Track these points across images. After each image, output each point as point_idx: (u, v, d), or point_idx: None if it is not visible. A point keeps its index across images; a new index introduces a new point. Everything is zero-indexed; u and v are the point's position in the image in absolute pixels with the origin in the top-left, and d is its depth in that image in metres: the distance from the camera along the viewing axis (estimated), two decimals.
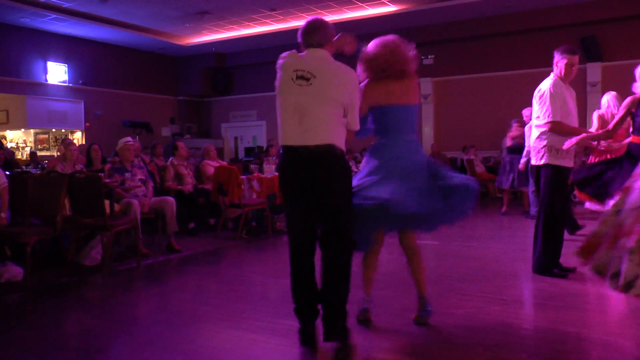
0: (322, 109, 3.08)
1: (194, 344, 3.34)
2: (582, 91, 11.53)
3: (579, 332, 3.39)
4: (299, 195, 3.15)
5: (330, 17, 13.25)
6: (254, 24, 13.85)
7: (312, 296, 3.18)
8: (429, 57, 14.40)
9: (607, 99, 6.56)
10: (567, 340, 3.23)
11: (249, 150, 16.12)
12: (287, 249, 3.24)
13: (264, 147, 12.53)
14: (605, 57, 12.22)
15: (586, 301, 4.16)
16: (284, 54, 3.21)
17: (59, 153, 9.12)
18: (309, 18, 3.32)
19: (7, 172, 5.97)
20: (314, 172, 3.08)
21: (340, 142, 3.16)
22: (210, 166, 8.19)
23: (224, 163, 9.04)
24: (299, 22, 13.51)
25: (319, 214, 3.15)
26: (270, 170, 8.08)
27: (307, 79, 3.08)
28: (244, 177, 7.81)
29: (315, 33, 3.21)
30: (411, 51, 3.61)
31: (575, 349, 3.09)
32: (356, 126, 3.27)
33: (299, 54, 3.22)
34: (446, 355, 3.01)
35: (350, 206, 3.20)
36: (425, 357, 3.00)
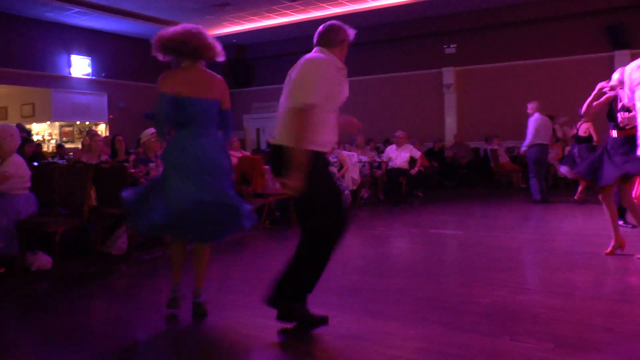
0: None
1: (220, 331, 3.37)
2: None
3: (607, 322, 3.34)
4: None
5: (352, 7, 13.20)
6: (274, 15, 13.84)
7: None
8: (451, 46, 14.28)
9: None
10: (596, 330, 3.19)
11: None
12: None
13: None
14: (633, 45, 11.97)
15: (613, 291, 4.10)
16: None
17: (82, 145, 9.25)
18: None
19: (35, 164, 6.06)
20: (276, 168, 3.26)
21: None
22: (234, 156, 8.21)
23: (247, 153, 9.06)
24: (319, 13, 13.49)
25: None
26: None
27: (287, 77, 3.26)
28: (267, 167, 7.83)
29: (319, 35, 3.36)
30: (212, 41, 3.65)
31: (604, 339, 3.04)
32: None
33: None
34: (471, 345, 2.99)
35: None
36: (450, 347, 2.98)
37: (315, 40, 3.33)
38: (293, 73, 3.19)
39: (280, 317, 3.27)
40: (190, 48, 3.53)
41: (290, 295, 3.25)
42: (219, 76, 3.66)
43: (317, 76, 3.09)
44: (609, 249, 4.98)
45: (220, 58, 3.72)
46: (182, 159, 3.44)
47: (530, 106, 9.47)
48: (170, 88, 3.45)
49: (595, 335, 3.10)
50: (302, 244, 3.24)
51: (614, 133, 4.88)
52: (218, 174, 3.48)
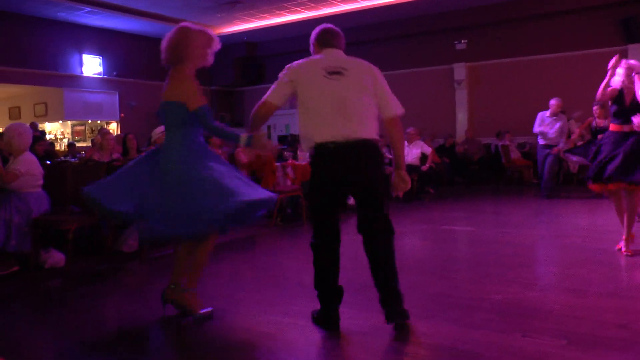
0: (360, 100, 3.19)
1: (232, 329, 3.38)
2: None
3: (621, 319, 3.31)
4: (340, 187, 3.21)
5: (362, 4, 13.16)
6: (285, 12, 13.83)
7: (337, 281, 3.28)
8: (462, 42, 14.20)
9: None
10: (609, 327, 3.16)
11: (282, 139, 16.17)
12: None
13: (297, 135, 12.55)
14: None
15: (627, 287, 4.06)
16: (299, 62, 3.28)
17: (92, 143, 9.30)
18: (324, 25, 3.42)
19: (48, 162, 6.11)
20: (359, 163, 3.13)
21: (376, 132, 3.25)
22: (245, 154, 8.24)
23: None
24: (329, 10, 13.47)
25: (362, 203, 3.23)
26: (304, 157, 8.09)
27: (340, 72, 3.17)
28: (278, 164, 7.85)
29: (337, 36, 3.38)
30: (195, 41, 3.51)
31: (617, 336, 3.01)
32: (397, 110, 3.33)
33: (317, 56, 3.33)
34: (484, 341, 2.98)
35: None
36: (462, 343, 2.97)
37: (342, 42, 3.38)
38: (380, 78, 3.25)
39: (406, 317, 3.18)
40: (164, 57, 3.57)
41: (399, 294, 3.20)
42: (189, 77, 3.53)
43: None
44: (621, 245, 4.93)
45: (205, 60, 3.62)
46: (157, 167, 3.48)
47: (553, 103, 9.28)
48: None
49: (608, 332, 3.08)
50: (387, 239, 3.22)
51: (625, 127, 4.79)
52: (182, 189, 3.36)
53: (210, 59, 3.65)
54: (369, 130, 3.17)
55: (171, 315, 3.58)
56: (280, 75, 3.26)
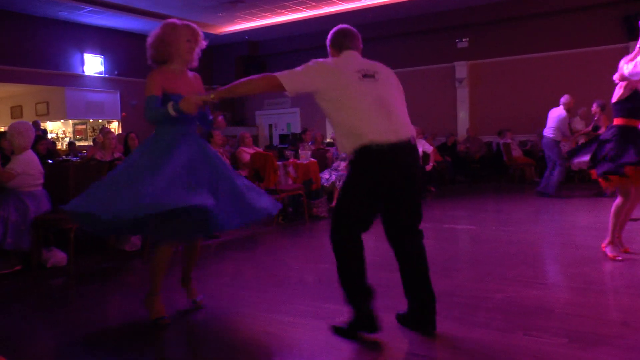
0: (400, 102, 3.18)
1: (234, 328, 3.39)
2: None
3: (623, 317, 3.31)
4: (387, 193, 3.09)
5: (364, 3, 13.16)
6: (286, 11, 13.83)
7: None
8: (464, 40, 14.19)
9: None
10: (611, 325, 3.16)
11: (283, 137, 16.18)
12: (327, 237, 3.19)
13: (299, 134, 12.56)
14: None
15: (629, 285, 4.05)
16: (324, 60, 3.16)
17: (93, 142, 9.30)
18: (342, 26, 3.32)
19: (50, 161, 6.12)
20: (412, 164, 3.09)
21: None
22: (246, 153, 8.25)
23: (260, 150, 9.09)
24: (331, 9, 13.45)
25: (402, 210, 3.12)
26: (306, 156, 8.09)
27: (372, 76, 3.10)
28: (279, 163, 7.85)
29: (356, 38, 3.28)
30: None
31: (619, 334, 3.01)
32: None
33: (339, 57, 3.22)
34: (486, 340, 2.98)
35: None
36: (464, 342, 2.97)
37: (360, 43, 3.31)
38: (396, 81, 3.25)
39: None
40: (150, 54, 3.72)
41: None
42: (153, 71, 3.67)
43: None
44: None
45: (192, 56, 3.68)
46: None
47: (564, 101, 9.22)
48: None
49: (610, 330, 3.08)
50: (420, 243, 3.20)
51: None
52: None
53: (196, 58, 3.64)
54: (410, 129, 3.13)
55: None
56: (310, 66, 3.07)
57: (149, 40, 3.58)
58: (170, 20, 3.64)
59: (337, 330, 3.14)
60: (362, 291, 3.08)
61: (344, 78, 3.04)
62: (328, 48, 3.32)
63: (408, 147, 3.05)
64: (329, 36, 3.30)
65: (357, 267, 3.08)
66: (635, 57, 4.49)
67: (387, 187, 3.04)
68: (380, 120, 3.00)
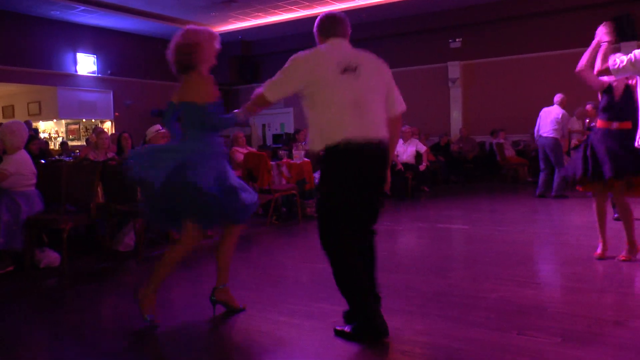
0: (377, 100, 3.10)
1: (229, 327, 3.38)
2: None
3: (616, 315, 3.34)
4: (364, 190, 3.07)
5: (357, 2, 13.16)
6: (280, 11, 13.82)
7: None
8: (457, 40, 14.23)
9: None
10: (604, 324, 3.18)
11: (276, 137, 16.16)
12: (317, 239, 3.13)
13: (292, 134, 12.57)
14: None
15: (622, 285, 4.08)
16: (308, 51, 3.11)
17: (86, 142, 9.26)
18: (329, 11, 3.27)
19: (42, 161, 6.09)
20: (379, 166, 3.07)
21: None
22: (240, 153, 8.24)
23: (253, 150, 9.08)
24: (324, 9, 13.42)
25: (361, 208, 3.09)
26: (299, 156, 8.09)
27: (354, 69, 3.03)
28: (273, 163, 7.84)
29: (344, 24, 3.21)
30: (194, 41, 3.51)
31: (613, 333, 3.03)
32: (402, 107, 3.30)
33: (322, 46, 3.16)
34: (481, 339, 2.99)
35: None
36: (459, 341, 2.98)
37: (348, 29, 3.22)
38: (388, 76, 3.21)
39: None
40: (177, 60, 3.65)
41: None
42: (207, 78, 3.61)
43: None
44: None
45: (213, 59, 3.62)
46: None
47: (556, 100, 9.23)
48: None
49: (604, 329, 3.10)
50: (372, 244, 3.21)
51: (613, 124, 4.61)
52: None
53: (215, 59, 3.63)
54: (384, 130, 3.08)
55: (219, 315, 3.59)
56: (286, 68, 3.06)
57: (178, 45, 3.52)
58: (193, 26, 3.62)
59: (341, 334, 3.09)
60: (364, 292, 2.99)
61: (320, 72, 3.00)
62: (315, 35, 3.25)
63: (377, 148, 3.02)
64: (316, 23, 3.22)
65: (355, 269, 3.00)
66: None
67: (355, 184, 3.02)
68: (353, 119, 2.97)
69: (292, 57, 3.06)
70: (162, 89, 15.93)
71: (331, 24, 3.18)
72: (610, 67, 4.17)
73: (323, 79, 2.99)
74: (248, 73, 16.95)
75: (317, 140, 3.05)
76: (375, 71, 3.13)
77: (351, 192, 3.01)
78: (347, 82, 2.99)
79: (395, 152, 10.22)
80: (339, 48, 3.12)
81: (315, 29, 3.24)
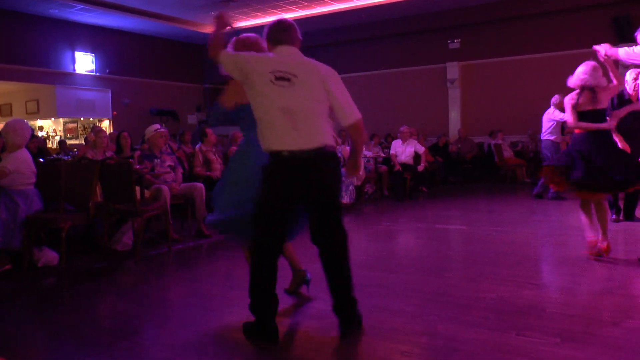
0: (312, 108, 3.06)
1: (225, 326, 3.38)
2: None
3: (613, 316, 3.34)
4: (294, 199, 3.11)
5: (356, 3, 13.17)
6: (278, 11, 13.81)
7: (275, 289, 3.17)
8: (455, 41, 14.24)
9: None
10: (602, 325, 3.19)
11: None
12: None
13: None
14: None
15: (620, 286, 4.09)
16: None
17: (85, 141, 9.24)
18: (278, 19, 3.26)
19: (41, 160, 6.08)
20: (314, 175, 3.04)
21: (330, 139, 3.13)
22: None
23: None
24: (323, 8, 13.46)
25: (317, 212, 3.15)
26: None
27: (288, 79, 3.00)
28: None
29: (290, 31, 3.17)
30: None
31: (611, 334, 3.04)
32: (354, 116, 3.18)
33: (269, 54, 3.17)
34: (479, 339, 2.99)
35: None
36: (457, 342, 2.98)
37: (294, 36, 3.18)
38: (333, 84, 3.08)
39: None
40: None
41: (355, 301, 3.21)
42: None
43: None
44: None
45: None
46: None
47: (555, 101, 9.15)
48: None
49: (601, 330, 3.10)
50: (346, 247, 3.19)
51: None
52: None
53: None
54: (322, 137, 3.04)
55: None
56: (235, 55, 3.14)
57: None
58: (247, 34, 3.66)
59: (244, 327, 3.19)
60: (264, 297, 3.09)
61: (253, 77, 3.02)
62: (265, 43, 3.25)
63: (317, 156, 3.01)
64: (265, 30, 3.21)
65: (263, 274, 3.10)
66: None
67: (292, 193, 3.06)
68: (284, 130, 2.98)
69: (241, 53, 3.16)
70: (161, 87, 15.95)
71: (278, 31, 3.16)
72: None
73: (256, 85, 3.02)
74: None
75: (262, 143, 3.13)
76: (314, 82, 3.05)
77: (278, 201, 3.06)
78: (277, 92, 2.98)
79: (394, 152, 10.24)
80: (281, 56, 3.10)
81: (264, 37, 3.24)
